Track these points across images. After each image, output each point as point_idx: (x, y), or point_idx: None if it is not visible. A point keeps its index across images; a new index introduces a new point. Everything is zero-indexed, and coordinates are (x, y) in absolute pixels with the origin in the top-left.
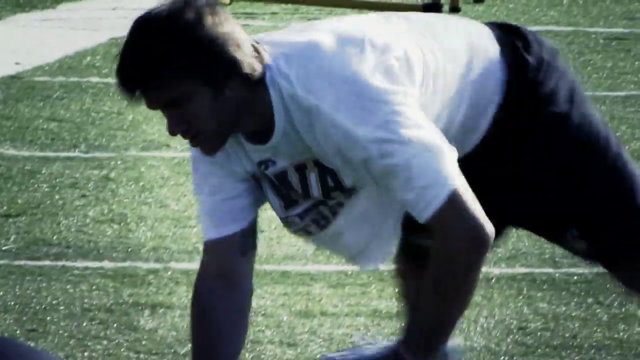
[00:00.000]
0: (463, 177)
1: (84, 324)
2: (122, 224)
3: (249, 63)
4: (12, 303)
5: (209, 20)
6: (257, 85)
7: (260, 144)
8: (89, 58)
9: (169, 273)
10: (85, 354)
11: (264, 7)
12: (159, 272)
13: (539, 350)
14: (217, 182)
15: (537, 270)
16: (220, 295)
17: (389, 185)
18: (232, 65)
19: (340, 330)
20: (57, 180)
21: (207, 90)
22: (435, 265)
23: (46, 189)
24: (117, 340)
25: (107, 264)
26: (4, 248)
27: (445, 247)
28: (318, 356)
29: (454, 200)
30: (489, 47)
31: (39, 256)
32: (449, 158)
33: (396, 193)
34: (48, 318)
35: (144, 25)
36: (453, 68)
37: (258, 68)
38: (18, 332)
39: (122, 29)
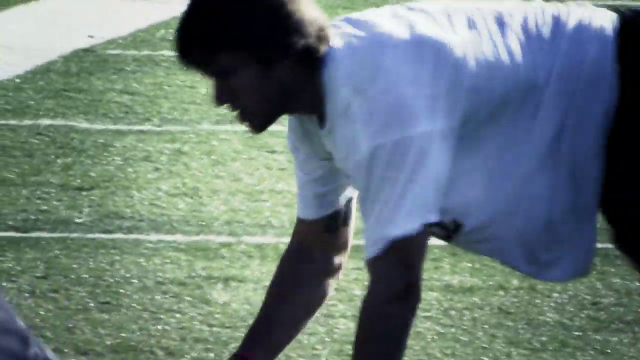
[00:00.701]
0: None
1: (157, 297)
2: (195, 198)
3: (309, 45)
4: (86, 276)
5: None
6: (313, 68)
7: (322, 128)
8: (162, 31)
9: (242, 246)
10: (159, 327)
11: None
12: (232, 245)
13: (612, 325)
14: (303, 159)
15: (610, 246)
16: (294, 267)
17: (364, 206)
18: (287, 45)
19: None
20: (130, 153)
21: (256, 65)
22: (360, 314)
23: (119, 163)
24: (190, 314)
25: (180, 237)
26: (77, 221)
27: (370, 296)
28: None
29: (392, 251)
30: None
31: (112, 229)
32: (417, 213)
33: (365, 216)
34: (121, 291)
35: None
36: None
37: (319, 51)
38: (92, 304)
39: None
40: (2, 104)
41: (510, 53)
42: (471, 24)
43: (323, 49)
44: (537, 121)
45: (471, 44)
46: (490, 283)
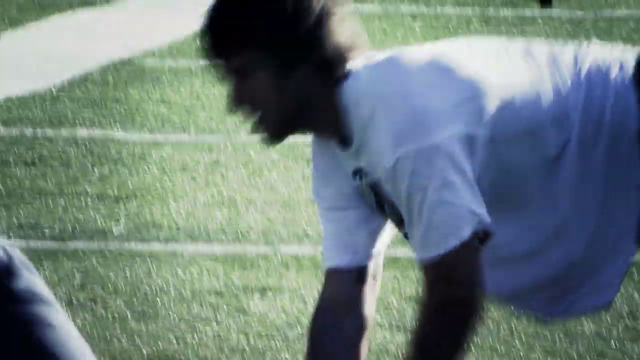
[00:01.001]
0: (477, 241)
1: (194, 307)
2: (231, 208)
3: (330, 57)
4: (123, 286)
5: (307, 3)
6: (333, 83)
7: (346, 149)
8: (198, 41)
9: (279, 257)
10: (196, 336)
11: None
12: (269, 255)
13: None
14: (329, 206)
15: None
16: (331, 325)
17: (408, 217)
18: (307, 52)
19: None
20: (167, 163)
21: (274, 68)
22: (417, 319)
23: (156, 173)
24: (226, 323)
25: (216, 247)
26: (114, 231)
27: (426, 303)
28: None
29: (450, 257)
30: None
31: (149, 239)
32: (470, 217)
33: (411, 227)
34: (158, 301)
35: None
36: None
37: (339, 65)
38: (128, 314)
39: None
40: (39, 114)
41: (539, 85)
42: (500, 54)
43: (344, 65)
44: (564, 161)
45: (499, 72)
46: None
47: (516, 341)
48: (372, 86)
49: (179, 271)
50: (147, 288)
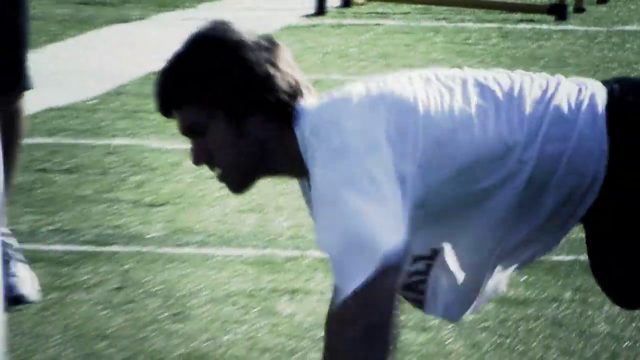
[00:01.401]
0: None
1: (226, 309)
2: (261, 214)
3: (279, 100)
4: (158, 288)
5: (246, 52)
6: (285, 123)
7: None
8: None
9: (307, 260)
10: (227, 337)
11: (396, 7)
12: (297, 259)
13: None
14: None
15: None
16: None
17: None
18: (256, 100)
19: (471, 317)
20: (200, 171)
21: (227, 121)
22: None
23: (189, 180)
24: (257, 324)
25: (247, 251)
26: (148, 236)
27: (340, 331)
28: (448, 341)
29: (364, 290)
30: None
31: (182, 244)
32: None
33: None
34: (192, 303)
35: (186, 43)
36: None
37: (290, 106)
38: (164, 315)
39: (261, 28)
40: (78, 125)
41: (481, 116)
42: (445, 86)
43: (295, 105)
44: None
45: (438, 101)
46: (544, 295)
47: (534, 342)
48: (314, 126)
49: (212, 274)
50: (181, 290)
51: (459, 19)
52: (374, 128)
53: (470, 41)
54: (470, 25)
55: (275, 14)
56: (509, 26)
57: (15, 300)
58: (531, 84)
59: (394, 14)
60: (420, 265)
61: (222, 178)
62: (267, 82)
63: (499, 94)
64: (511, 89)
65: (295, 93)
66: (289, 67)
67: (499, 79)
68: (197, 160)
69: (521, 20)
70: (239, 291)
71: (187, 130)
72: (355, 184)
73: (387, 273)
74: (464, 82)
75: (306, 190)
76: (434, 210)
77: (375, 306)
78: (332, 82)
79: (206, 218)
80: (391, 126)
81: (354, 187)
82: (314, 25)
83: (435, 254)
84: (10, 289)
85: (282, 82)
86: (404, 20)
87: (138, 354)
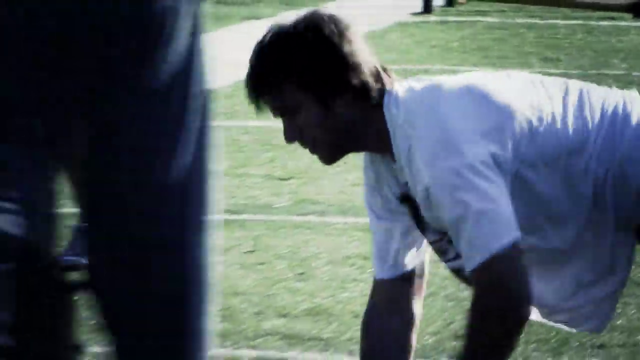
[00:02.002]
0: (519, 245)
1: (344, 269)
2: None
3: (364, 82)
4: (285, 251)
5: (333, 37)
6: (372, 107)
7: (394, 163)
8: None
9: None
10: (345, 294)
11: (493, 6)
12: None
13: None
14: (380, 216)
15: None
16: (379, 323)
17: (453, 232)
18: (344, 82)
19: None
20: None
21: (316, 103)
22: (467, 322)
23: (312, 157)
24: (371, 283)
25: (362, 219)
26: (277, 206)
27: (475, 306)
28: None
29: (495, 263)
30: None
31: (306, 213)
32: (506, 222)
33: (457, 241)
34: (314, 264)
35: (271, 33)
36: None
37: (375, 90)
38: (290, 275)
39: (374, 24)
40: (217, 108)
41: (563, 115)
42: (529, 84)
43: (378, 86)
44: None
45: (525, 99)
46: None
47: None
48: (408, 117)
49: (331, 239)
50: (305, 253)
51: (548, 16)
52: (474, 119)
53: (558, 36)
54: (558, 22)
55: (387, 12)
56: (592, 23)
57: None
58: (596, 88)
59: (491, 12)
60: None
61: (313, 151)
62: (353, 66)
63: (574, 95)
64: (581, 89)
65: (378, 76)
66: (369, 54)
67: (571, 82)
68: (291, 138)
69: (603, 18)
70: (355, 254)
71: (282, 109)
72: (473, 170)
73: (517, 250)
74: (543, 83)
75: (377, 164)
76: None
77: (513, 274)
78: (437, 72)
79: (327, 190)
80: (490, 120)
81: (475, 173)
82: (421, 22)
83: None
84: None
85: (365, 67)
86: (500, 17)
87: (267, 308)
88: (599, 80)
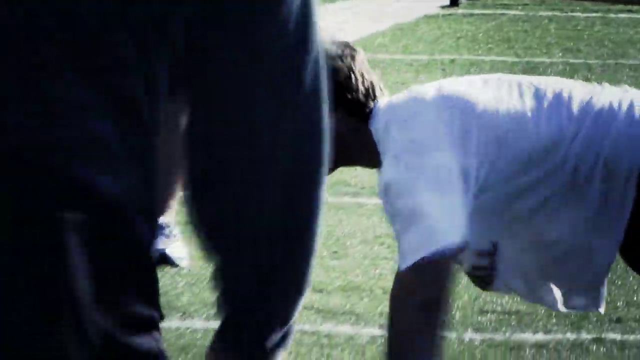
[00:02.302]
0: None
1: (375, 248)
2: None
3: (357, 98)
4: (321, 231)
5: (331, 58)
6: (362, 120)
7: None
8: (379, 39)
9: None
10: (377, 271)
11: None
12: None
13: None
14: None
15: None
16: None
17: (395, 229)
18: (338, 98)
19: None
20: None
21: None
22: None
23: None
24: None
25: None
26: None
27: (401, 302)
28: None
29: (424, 265)
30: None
31: (340, 194)
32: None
33: (397, 238)
34: (347, 243)
35: None
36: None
37: (366, 105)
38: (325, 253)
39: (404, 16)
40: None
41: (535, 115)
42: (503, 87)
43: (371, 103)
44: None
45: (497, 101)
46: None
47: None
48: (387, 124)
49: (363, 220)
50: (339, 232)
51: (569, 9)
52: (441, 126)
53: (578, 28)
54: (578, 14)
55: (416, 5)
56: (611, 15)
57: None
58: (580, 88)
59: (515, 5)
60: (483, 261)
61: None
62: (346, 84)
63: (550, 95)
64: (561, 90)
65: (370, 94)
66: (365, 72)
67: (551, 83)
68: None
69: (621, 10)
70: (386, 234)
71: None
72: (425, 175)
73: (444, 257)
74: (520, 85)
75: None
76: (490, 202)
77: (433, 282)
78: (464, 61)
79: (359, 174)
80: (456, 125)
81: (424, 178)
82: (449, 15)
83: (495, 249)
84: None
85: (359, 85)
86: (523, 10)
87: None
88: (617, 69)
